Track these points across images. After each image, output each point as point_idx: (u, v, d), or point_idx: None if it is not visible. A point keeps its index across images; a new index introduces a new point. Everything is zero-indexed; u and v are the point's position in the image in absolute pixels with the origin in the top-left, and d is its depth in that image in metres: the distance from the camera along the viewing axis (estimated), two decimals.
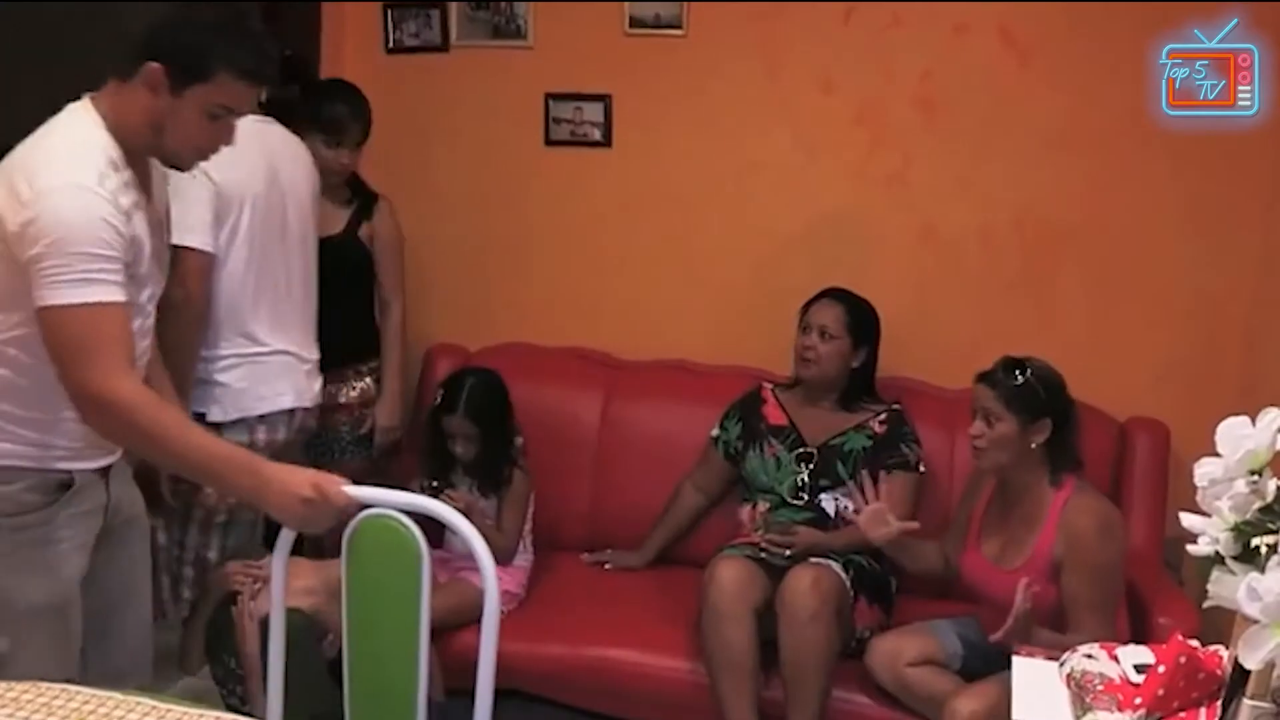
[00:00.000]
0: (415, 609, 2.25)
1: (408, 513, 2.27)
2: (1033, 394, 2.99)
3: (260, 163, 3.18)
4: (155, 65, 2.22)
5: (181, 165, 2.39)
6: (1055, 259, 3.88)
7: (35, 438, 2.30)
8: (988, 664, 3.05)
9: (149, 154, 2.34)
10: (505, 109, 4.18)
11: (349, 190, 3.71)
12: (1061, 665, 2.27)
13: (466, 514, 2.37)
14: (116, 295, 2.17)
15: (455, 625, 3.24)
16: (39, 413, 2.29)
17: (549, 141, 4.16)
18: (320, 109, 3.56)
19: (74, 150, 2.21)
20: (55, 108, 2.30)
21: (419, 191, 4.16)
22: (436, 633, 3.11)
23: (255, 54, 2.29)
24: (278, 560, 2.36)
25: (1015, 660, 2.42)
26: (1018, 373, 3.00)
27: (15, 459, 2.29)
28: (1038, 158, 3.82)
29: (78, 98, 2.31)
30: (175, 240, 2.66)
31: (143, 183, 2.34)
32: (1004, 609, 3.06)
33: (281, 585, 2.38)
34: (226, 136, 2.35)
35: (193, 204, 2.94)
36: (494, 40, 4.14)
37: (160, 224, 2.44)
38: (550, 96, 4.13)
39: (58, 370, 2.17)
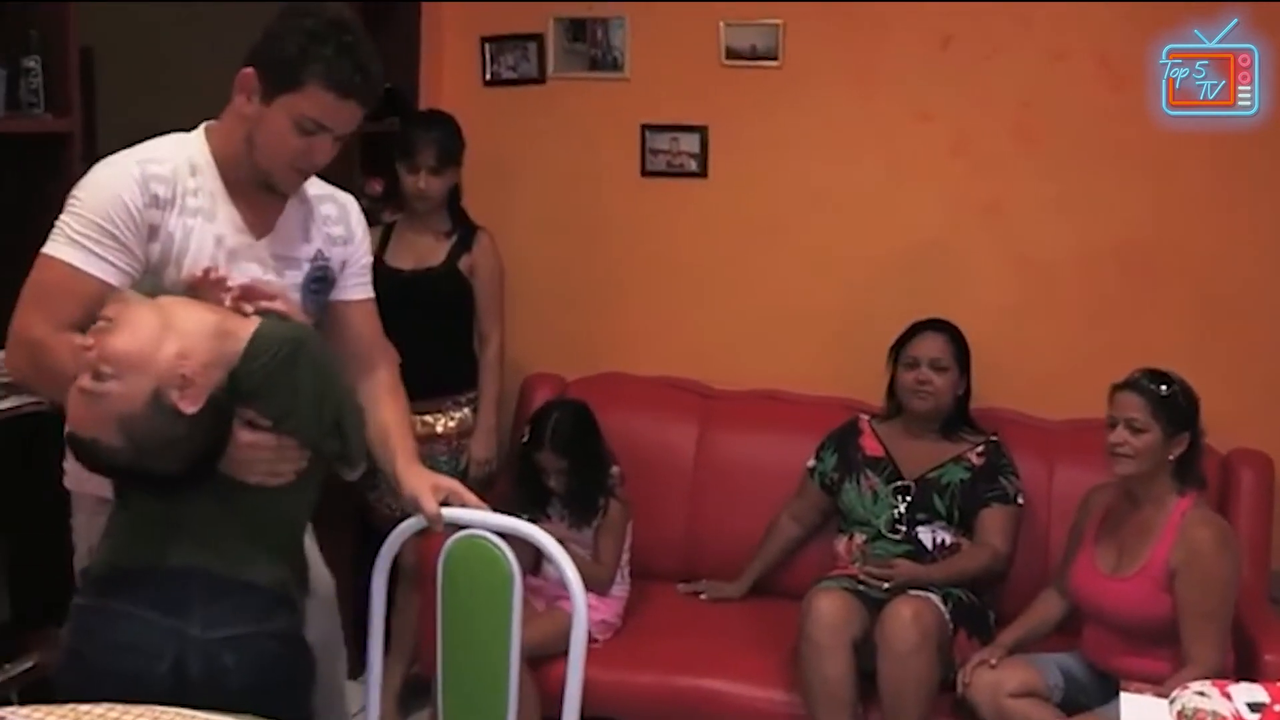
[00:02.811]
0: (507, 630, 2.25)
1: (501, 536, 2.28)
2: (1176, 405, 2.96)
3: None
4: (249, 70, 2.19)
5: (277, 186, 2.29)
6: (1153, 287, 3.80)
7: None
8: (1089, 698, 3.00)
9: (251, 174, 2.26)
10: (601, 140, 4.21)
11: (450, 221, 3.74)
12: (1172, 703, 2.22)
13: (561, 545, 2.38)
14: (95, 268, 2.13)
15: (553, 654, 3.22)
16: None
17: (645, 172, 4.18)
18: (403, 135, 3.64)
19: (150, 143, 2.25)
20: None
21: (516, 222, 4.19)
22: (534, 661, 3.15)
23: (351, 66, 2.18)
24: (378, 576, 2.39)
25: (1124, 697, 2.38)
26: (1163, 384, 2.97)
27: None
28: (1136, 185, 3.77)
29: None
30: None
31: (256, 209, 2.30)
32: (1114, 624, 3.00)
33: (381, 607, 2.41)
34: (320, 155, 2.25)
35: None
36: (590, 72, 4.17)
37: (260, 257, 2.33)
38: (646, 128, 4.15)
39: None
